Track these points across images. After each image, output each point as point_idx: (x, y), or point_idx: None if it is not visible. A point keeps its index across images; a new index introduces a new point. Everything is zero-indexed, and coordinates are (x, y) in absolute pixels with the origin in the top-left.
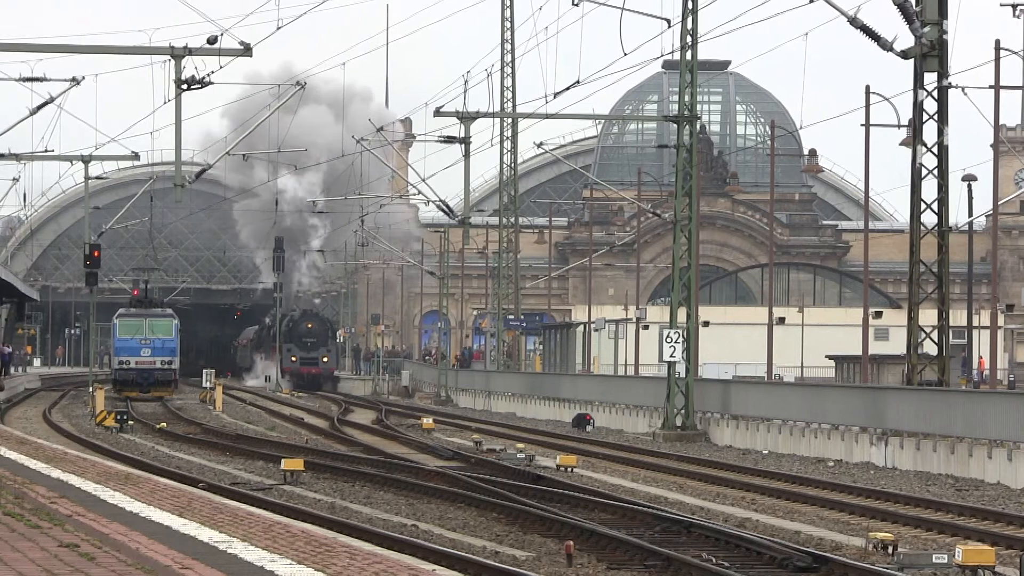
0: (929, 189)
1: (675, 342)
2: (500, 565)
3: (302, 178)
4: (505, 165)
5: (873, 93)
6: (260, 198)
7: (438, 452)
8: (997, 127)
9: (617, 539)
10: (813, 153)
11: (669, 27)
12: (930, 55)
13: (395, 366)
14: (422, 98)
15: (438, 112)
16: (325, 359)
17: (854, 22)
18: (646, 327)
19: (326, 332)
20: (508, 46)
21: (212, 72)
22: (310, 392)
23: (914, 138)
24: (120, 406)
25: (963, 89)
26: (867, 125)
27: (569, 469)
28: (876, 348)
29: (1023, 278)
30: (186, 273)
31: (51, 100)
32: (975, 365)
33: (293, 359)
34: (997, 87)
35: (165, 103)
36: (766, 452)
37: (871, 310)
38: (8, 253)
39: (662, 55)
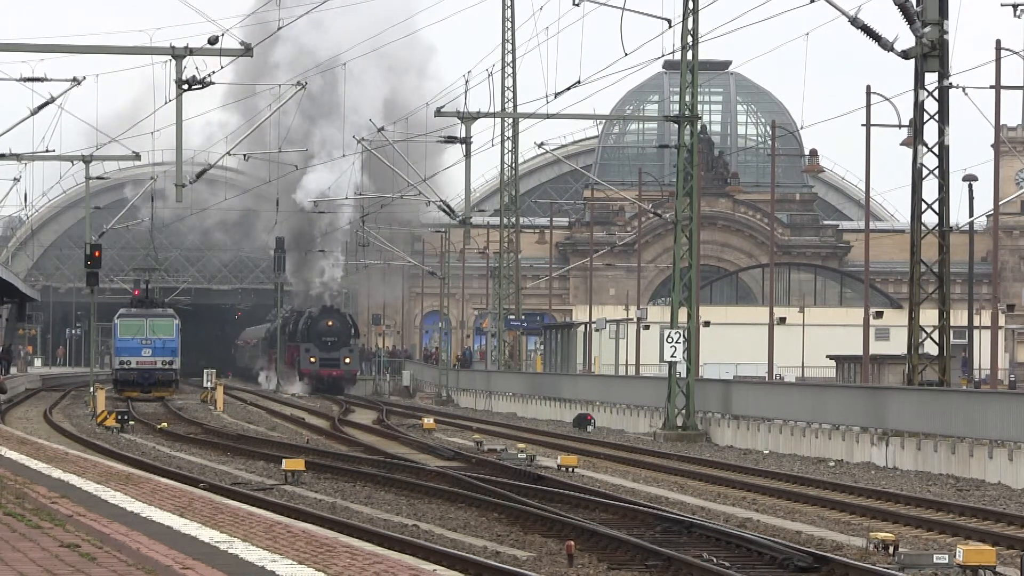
0: (930, 189)
1: (676, 342)
2: (501, 565)
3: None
4: (506, 165)
5: (874, 93)
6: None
7: (439, 452)
8: (998, 127)
9: (618, 539)
10: (814, 153)
11: (670, 27)
12: (931, 55)
13: (396, 366)
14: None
15: (439, 112)
16: (347, 360)
17: (855, 22)
18: (647, 327)
19: (348, 331)
20: (509, 46)
21: (213, 72)
22: (330, 397)
23: (915, 138)
24: (121, 406)
25: (964, 89)
26: (868, 125)
27: (570, 469)
28: (877, 348)
29: None
30: (187, 273)
31: (52, 100)
32: (984, 364)
33: (312, 360)
34: (998, 87)
35: (166, 103)
36: (767, 452)
37: (872, 310)
38: (9, 253)
39: (663, 55)
